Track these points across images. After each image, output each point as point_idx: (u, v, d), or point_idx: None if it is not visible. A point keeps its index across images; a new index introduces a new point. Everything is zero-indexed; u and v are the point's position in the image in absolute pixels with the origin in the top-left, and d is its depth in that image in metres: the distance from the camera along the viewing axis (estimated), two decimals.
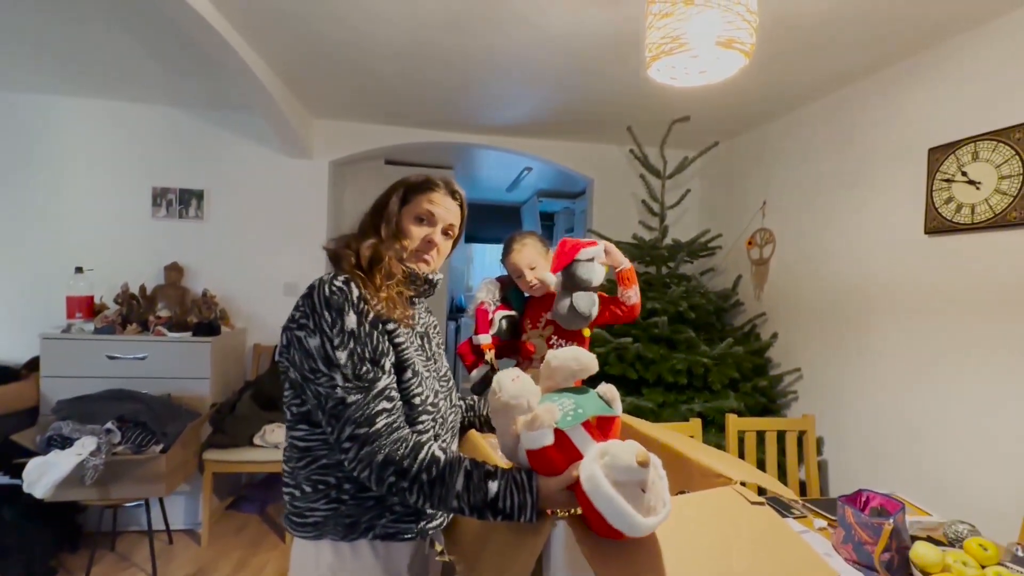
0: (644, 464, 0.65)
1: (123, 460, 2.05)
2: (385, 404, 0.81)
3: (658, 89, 1.92)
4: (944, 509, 1.65)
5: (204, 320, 2.61)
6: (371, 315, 0.84)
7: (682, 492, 1.05)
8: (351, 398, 0.79)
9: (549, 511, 0.82)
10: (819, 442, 2.21)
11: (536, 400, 0.75)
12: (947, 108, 1.73)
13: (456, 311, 5.91)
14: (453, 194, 1.02)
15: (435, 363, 1.01)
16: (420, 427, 0.89)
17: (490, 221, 6.27)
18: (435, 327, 1.09)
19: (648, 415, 2.29)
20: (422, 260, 0.99)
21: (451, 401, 1.05)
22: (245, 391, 2.66)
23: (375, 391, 0.81)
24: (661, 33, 1.01)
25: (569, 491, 0.73)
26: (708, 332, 2.66)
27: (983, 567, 1.14)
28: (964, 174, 1.64)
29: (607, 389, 0.86)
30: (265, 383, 2.72)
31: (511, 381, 0.75)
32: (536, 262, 1.56)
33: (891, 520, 1.19)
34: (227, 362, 2.75)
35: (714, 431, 2.18)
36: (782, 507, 1.55)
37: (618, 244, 2.85)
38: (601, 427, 0.83)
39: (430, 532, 0.94)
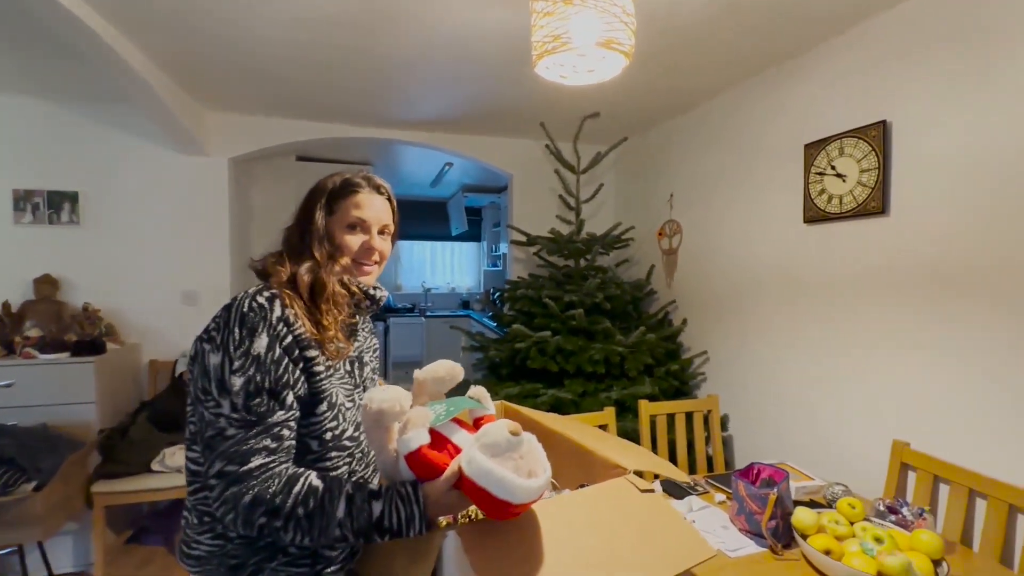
0: (517, 434, 0.68)
1: None
2: (268, 442, 0.74)
3: (566, 86, 1.95)
4: (829, 472, 1.83)
5: (85, 337, 2.34)
6: (288, 339, 0.78)
7: (583, 485, 1.08)
8: (231, 431, 0.73)
9: (441, 519, 0.81)
10: (725, 419, 2.37)
11: (408, 403, 0.74)
12: (819, 107, 1.90)
13: (384, 311, 5.75)
14: (378, 189, 0.96)
15: (364, 391, 0.95)
16: (328, 464, 0.84)
17: (417, 217, 6.14)
18: (373, 351, 1.03)
19: (570, 406, 2.35)
20: (364, 270, 0.94)
21: None
22: (140, 413, 2.42)
23: (261, 426, 0.74)
24: (545, 32, 1.02)
25: (456, 489, 0.72)
26: (625, 321, 2.77)
27: (852, 523, 1.27)
28: (833, 168, 1.80)
29: (476, 391, 0.88)
30: (165, 402, 2.49)
31: (381, 391, 0.73)
32: None
33: (775, 490, 1.29)
34: (117, 382, 2.48)
35: (630, 417, 2.27)
36: (687, 486, 1.64)
37: (537, 239, 2.90)
38: (477, 425, 0.83)
39: None
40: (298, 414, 0.80)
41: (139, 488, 2.20)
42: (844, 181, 1.76)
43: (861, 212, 1.71)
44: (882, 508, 1.35)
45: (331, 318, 0.85)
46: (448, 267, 6.53)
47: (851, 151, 1.74)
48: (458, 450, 0.76)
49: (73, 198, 2.58)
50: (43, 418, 2.15)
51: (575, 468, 1.13)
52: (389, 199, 0.98)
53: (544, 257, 2.94)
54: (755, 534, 1.32)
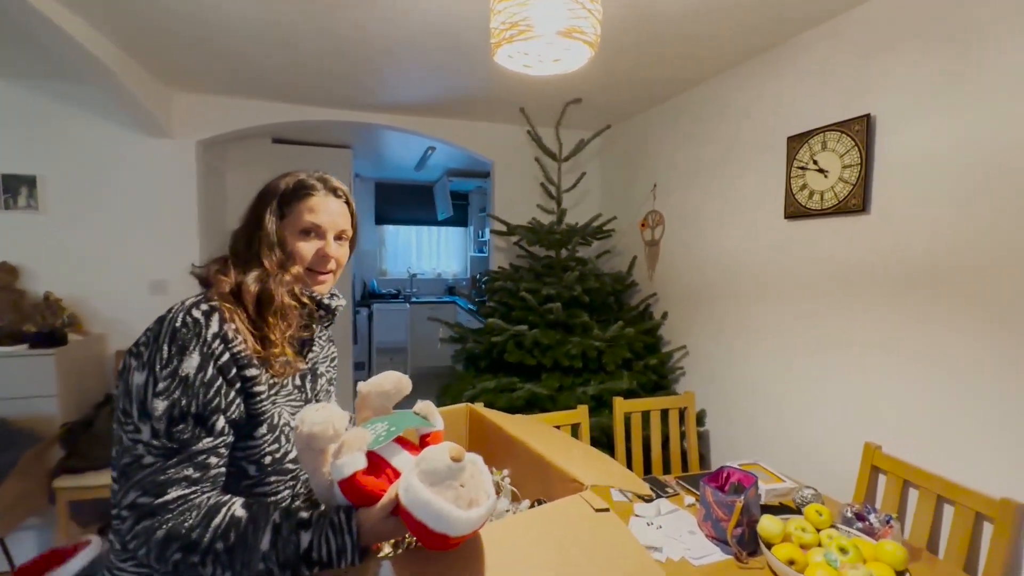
0: (458, 459, 0.64)
1: None
2: (190, 472, 0.68)
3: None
4: (802, 472, 1.82)
5: (45, 328, 2.25)
6: (225, 358, 0.72)
7: (539, 500, 1.04)
8: (148, 459, 0.67)
9: (376, 547, 0.77)
10: (702, 414, 2.36)
11: (343, 425, 0.69)
12: (803, 99, 1.83)
13: (369, 297, 5.67)
14: (335, 192, 0.88)
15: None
16: (268, 489, 0.78)
17: (402, 201, 6.02)
18: (331, 360, 0.97)
19: (546, 401, 2.32)
20: (318, 280, 0.87)
21: None
22: (105, 406, 2.35)
23: (183, 455, 0.68)
24: (503, 18, 0.94)
25: (395, 516, 0.67)
26: (605, 313, 2.73)
27: (819, 531, 1.25)
28: (815, 162, 1.75)
29: (423, 406, 0.82)
30: None
31: (315, 411, 0.68)
32: None
33: (742, 497, 1.26)
34: (81, 374, 2.41)
35: (607, 412, 2.24)
36: (658, 487, 1.62)
37: (517, 227, 2.84)
38: (423, 444, 0.78)
39: None
40: (231, 439, 0.74)
41: (104, 483, 2.14)
42: (826, 177, 1.71)
43: (842, 209, 1.66)
44: (849, 515, 1.33)
45: (279, 332, 0.79)
46: (434, 252, 6.44)
47: (834, 145, 1.68)
48: (397, 474, 0.71)
49: (31, 182, 2.46)
50: (0, 412, 2.08)
51: (535, 480, 1.09)
52: (347, 202, 0.91)
53: (524, 247, 2.88)
54: (721, 541, 1.30)
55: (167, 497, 0.66)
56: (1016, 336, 1.28)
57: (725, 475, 1.45)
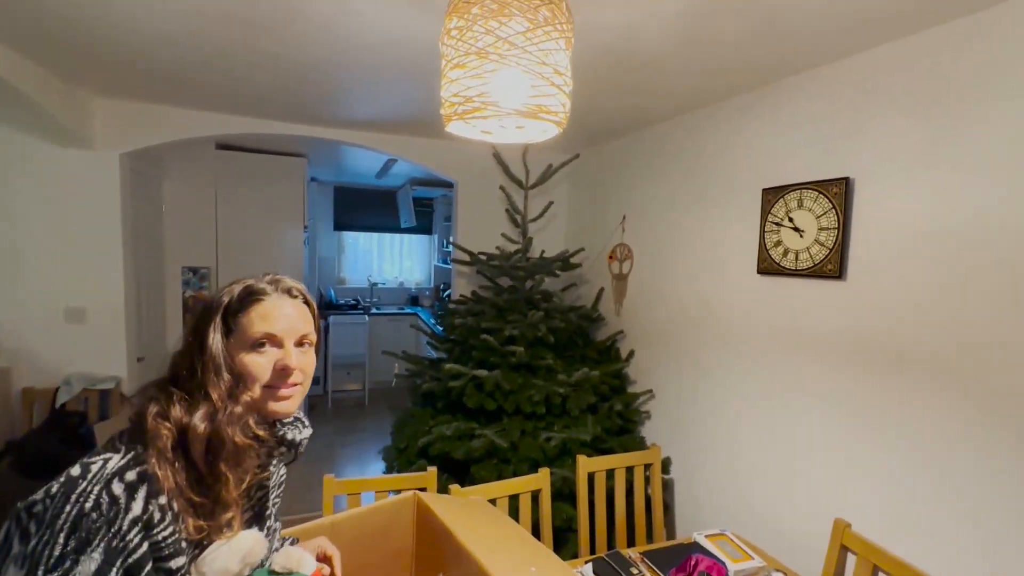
0: None
1: None
2: None
3: None
4: (770, 542, 1.75)
5: None
6: (139, 552, 0.58)
7: None
8: None
9: None
10: (667, 462, 2.28)
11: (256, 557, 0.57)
12: (780, 151, 1.76)
13: (326, 308, 5.39)
14: (290, 292, 0.74)
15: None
16: None
17: (364, 207, 5.75)
18: (279, 488, 0.81)
19: (507, 451, 2.18)
20: (280, 396, 0.71)
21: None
22: (5, 456, 2.07)
23: None
24: (456, 88, 0.78)
25: None
26: (571, 349, 2.61)
27: None
28: (791, 220, 1.67)
29: (284, 559, 0.73)
30: (38, 440, 2.15)
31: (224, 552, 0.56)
32: None
33: None
34: None
35: (570, 462, 2.13)
36: (622, 566, 1.51)
37: (480, 258, 2.68)
38: None
39: None
40: None
41: None
42: (801, 237, 1.63)
43: (817, 273, 1.59)
44: None
45: (230, 487, 0.64)
46: (397, 260, 6.20)
47: (811, 205, 1.60)
48: None
49: None
50: None
51: None
52: (306, 302, 0.76)
53: (487, 276, 2.73)
54: None
55: None
56: (991, 421, 1.23)
57: (693, 563, 1.35)
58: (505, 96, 0.76)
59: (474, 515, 1.23)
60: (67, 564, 0.54)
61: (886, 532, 1.44)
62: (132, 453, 0.61)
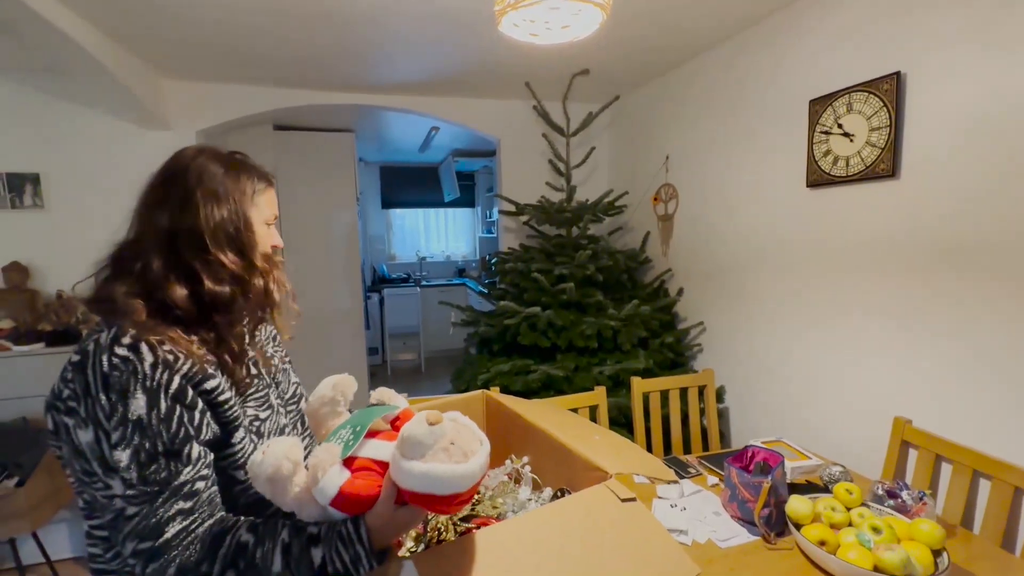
0: (437, 422, 0.62)
1: None
2: (181, 504, 0.64)
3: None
4: (827, 448, 1.78)
5: (59, 327, 2.26)
6: (175, 385, 0.66)
7: (563, 489, 1.02)
8: (131, 509, 0.63)
9: (397, 543, 0.74)
10: (721, 391, 2.32)
11: (298, 453, 0.64)
12: (826, 59, 1.73)
13: (379, 282, 5.66)
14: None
15: (278, 388, 0.87)
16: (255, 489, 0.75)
17: (408, 184, 5.95)
18: (273, 340, 0.94)
19: (562, 382, 2.29)
20: (282, 279, 0.84)
21: (301, 427, 0.92)
22: None
23: (167, 492, 0.64)
24: None
25: (401, 504, 0.64)
26: (619, 292, 2.67)
27: (849, 509, 1.22)
28: (840, 126, 1.65)
29: (378, 394, 0.79)
30: None
31: (259, 459, 0.62)
32: None
33: (769, 478, 1.23)
34: None
35: (624, 392, 2.21)
36: (680, 467, 1.59)
37: (526, 207, 2.77)
38: (396, 427, 0.75)
39: None
40: (211, 458, 0.70)
41: None
42: (852, 141, 1.62)
43: (869, 175, 1.57)
44: (880, 492, 1.29)
45: (226, 329, 0.75)
46: (443, 234, 6.39)
47: (860, 107, 1.58)
48: (384, 465, 0.67)
49: (35, 180, 2.44)
50: (22, 411, 2.10)
51: (558, 466, 1.06)
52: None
53: (534, 226, 2.82)
54: (748, 522, 1.28)
55: (167, 535, 0.63)
56: None
57: (750, 454, 1.41)
58: None
59: (540, 406, 1.34)
60: (119, 409, 0.62)
61: (947, 429, 1.44)
62: (115, 328, 0.66)
